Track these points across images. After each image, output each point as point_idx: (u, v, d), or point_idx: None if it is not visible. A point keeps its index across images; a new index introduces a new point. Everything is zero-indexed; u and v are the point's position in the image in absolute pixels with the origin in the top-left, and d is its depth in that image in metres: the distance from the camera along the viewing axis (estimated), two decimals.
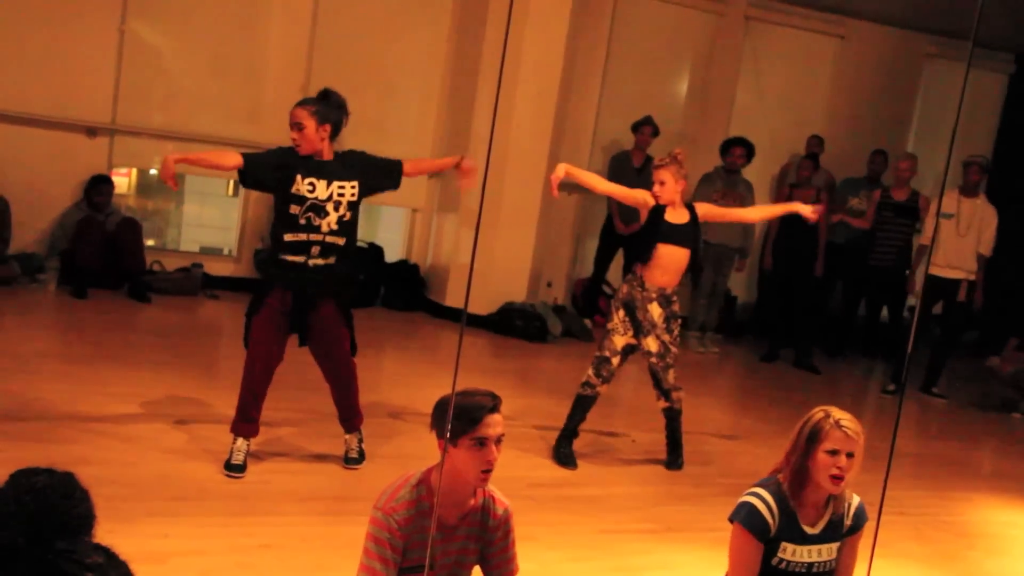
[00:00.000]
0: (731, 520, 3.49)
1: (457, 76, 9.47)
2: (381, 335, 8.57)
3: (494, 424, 3.05)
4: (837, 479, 3.36)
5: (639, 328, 5.74)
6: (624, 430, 6.64)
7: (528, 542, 3.94)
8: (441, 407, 3.12)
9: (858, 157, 10.26)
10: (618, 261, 9.47)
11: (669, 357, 5.82)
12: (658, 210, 5.65)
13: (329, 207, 4.87)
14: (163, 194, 11.08)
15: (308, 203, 4.84)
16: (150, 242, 9.33)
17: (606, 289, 9.82)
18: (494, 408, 3.06)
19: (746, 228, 9.64)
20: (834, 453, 3.35)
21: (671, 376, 5.86)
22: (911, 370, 8.84)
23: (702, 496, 5.64)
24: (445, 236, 9.53)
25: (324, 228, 4.87)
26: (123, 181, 9.95)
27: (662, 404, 5.97)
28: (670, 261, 5.69)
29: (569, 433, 5.88)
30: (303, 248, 4.88)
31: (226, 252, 9.63)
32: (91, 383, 5.96)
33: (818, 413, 3.43)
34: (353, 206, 4.94)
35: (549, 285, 9.80)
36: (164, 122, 8.76)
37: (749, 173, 9.78)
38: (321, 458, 5.37)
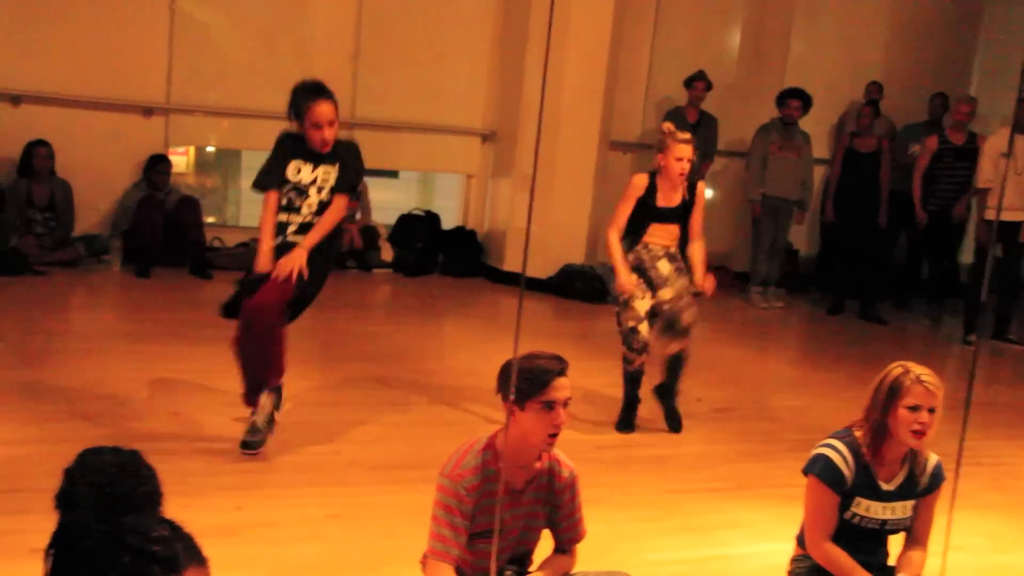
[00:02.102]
0: (805, 472, 3.42)
1: (506, 38, 9.38)
2: (441, 302, 8.57)
3: (561, 388, 3.01)
4: (919, 434, 3.29)
5: (652, 285, 5.59)
6: (688, 388, 6.56)
7: (596, 504, 3.90)
8: (507, 371, 3.08)
9: (917, 102, 10.00)
10: None
11: (686, 297, 5.64)
12: (651, 193, 5.56)
13: (312, 190, 4.82)
14: (220, 171, 11.16)
15: (290, 185, 4.81)
16: (210, 219, 9.39)
17: None
18: (561, 372, 3.02)
19: (806, 179, 9.45)
20: (915, 409, 3.27)
21: (690, 315, 5.61)
22: (974, 316, 8.61)
23: (772, 453, 5.56)
24: (501, 201, 9.47)
25: (304, 210, 4.81)
26: (180, 160, 10.02)
27: (672, 348, 5.67)
28: (664, 231, 5.62)
29: (628, 405, 5.77)
30: (282, 228, 4.82)
31: None
32: (158, 360, 6.02)
33: (896, 368, 3.34)
34: (334, 191, 4.84)
35: None
36: (218, 99, 8.79)
37: (807, 123, 9.58)
38: (386, 427, 5.37)
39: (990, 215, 8.25)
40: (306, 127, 4.80)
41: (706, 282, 5.66)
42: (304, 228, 4.82)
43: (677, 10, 10.00)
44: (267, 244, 4.78)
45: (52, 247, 7.97)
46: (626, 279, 5.53)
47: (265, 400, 4.85)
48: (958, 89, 10.42)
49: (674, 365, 5.76)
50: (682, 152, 5.48)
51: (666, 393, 5.83)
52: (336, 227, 4.92)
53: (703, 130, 9.46)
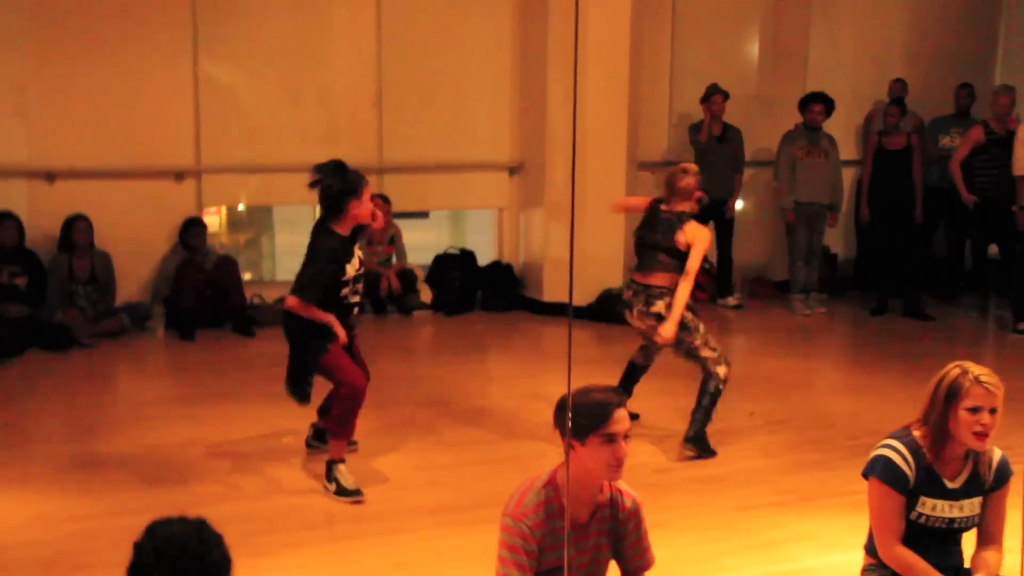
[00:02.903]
0: (865, 476, 3.40)
1: (525, 69, 9.41)
2: (484, 338, 8.58)
3: (622, 420, 3.02)
4: (981, 436, 3.25)
5: (651, 316, 5.72)
6: (739, 404, 6.53)
7: (659, 529, 3.88)
8: (564, 406, 3.07)
9: (942, 95, 9.90)
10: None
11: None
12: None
13: (359, 275, 5.09)
14: (255, 227, 11.27)
15: (352, 279, 5.02)
16: (247, 276, 9.46)
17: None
18: (620, 403, 3.04)
19: (836, 182, 9.39)
20: (976, 410, 3.24)
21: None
22: (1022, 305, 8.49)
23: (830, 461, 5.51)
24: (534, 232, 9.48)
25: (360, 290, 5.13)
26: (214, 220, 10.13)
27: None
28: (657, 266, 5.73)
29: (706, 424, 5.72)
30: (348, 311, 5.07)
31: None
32: (210, 423, 6.07)
33: (954, 370, 3.30)
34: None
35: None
36: (246, 157, 8.88)
37: (833, 126, 9.53)
38: (442, 469, 5.39)
39: None
40: (364, 202, 4.92)
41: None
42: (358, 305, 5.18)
43: (693, 24, 10.01)
44: (333, 319, 4.94)
45: (96, 319, 8.07)
46: (675, 330, 5.60)
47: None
48: (983, 79, 10.32)
49: (713, 396, 5.74)
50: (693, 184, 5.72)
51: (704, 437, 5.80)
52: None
53: (729, 144, 9.45)
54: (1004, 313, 8.96)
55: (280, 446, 5.70)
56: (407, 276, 9.15)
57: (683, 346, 5.67)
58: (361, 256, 5.08)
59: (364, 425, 5.77)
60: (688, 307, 5.61)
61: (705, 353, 5.65)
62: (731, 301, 9.53)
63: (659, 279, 5.65)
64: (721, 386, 5.66)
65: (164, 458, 5.48)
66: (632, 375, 6.06)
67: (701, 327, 5.68)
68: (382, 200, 8.40)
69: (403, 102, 9.16)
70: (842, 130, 9.90)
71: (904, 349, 8.08)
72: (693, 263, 5.55)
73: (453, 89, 9.40)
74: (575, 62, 2.82)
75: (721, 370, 5.64)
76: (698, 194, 5.72)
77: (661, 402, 6.26)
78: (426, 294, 9.21)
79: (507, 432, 5.93)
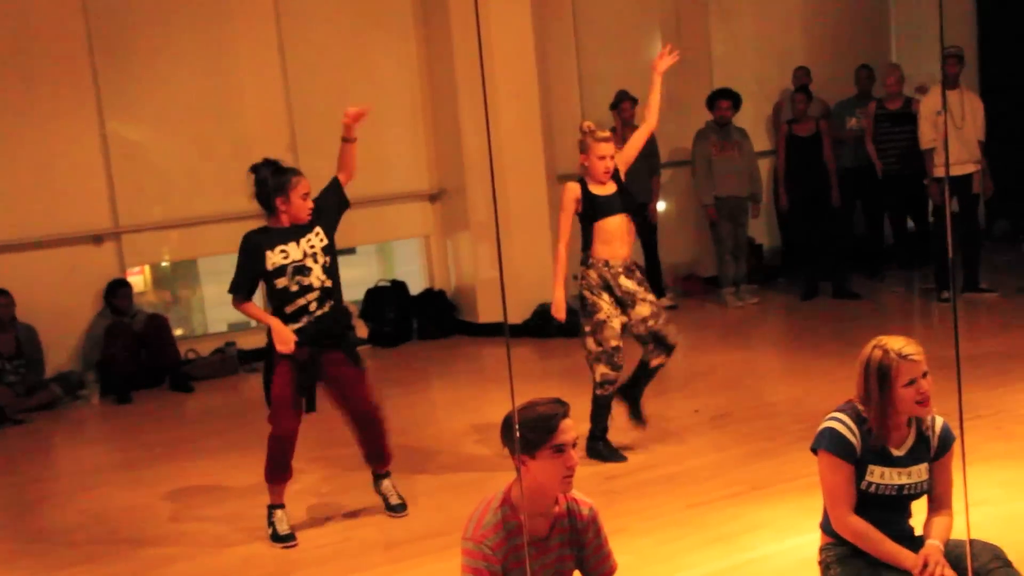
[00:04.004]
0: (814, 450, 3.46)
1: (436, 98, 9.46)
2: (425, 367, 8.57)
3: (568, 429, 3.05)
4: (925, 403, 3.34)
5: (623, 303, 5.57)
6: (684, 402, 6.60)
7: (619, 534, 3.92)
8: (510, 423, 3.08)
9: (846, 78, 10.15)
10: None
11: (663, 314, 5.67)
12: (584, 190, 5.56)
13: (309, 261, 4.90)
14: (181, 283, 11.13)
15: (290, 268, 4.87)
16: (179, 331, 9.35)
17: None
18: (565, 414, 3.06)
19: (752, 174, 9.59)
20: (912, 383, 3.32)
21: (674, 329, 5.67)
22: (945, 273, 8.70)
23: (778, 448, 5.59)
24: (462, 256, 9.52)
25: (315, 283, 4.91)
26: (138, 279, 10.00)
27: (657, 360, 5.68)
28: (611, 233, 5.56)
29: (601, 433, 5.70)
30: (304, 311, 4.90)
31: (254, 324, 9.58)
32: (156, 484, 5.98)
33: (876, 351, 3.37)
34: (328, 250, 4.97)
35: (576, 278, 9.73)
36: (164, 213, 8.80)
37: (744, 119, 9.73)
38: None
39: (939, 172, 8.39)
40: (293, 201, 4.87)
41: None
42: (324, 296, 4.90)
43: (596, 33, 10.12)
44: (277, 324, 4.84)
45: (27, 393, 7.91)
46: (562, 304, 5.55)
47: None
48: (881, 58, 10.61)
49: (650, 373, 5.76)
50: (604, 150, 5.53)
51: (634, 395, 5.79)
52: (348, 317, 5.14)
53: (643, 147, 9.54)
54: (928, 285, 9.17)
55: (229, 499, 5.63)
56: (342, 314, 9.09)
57: (580, 331, 5.67)
58: (310, 248, 4.91)
59: (309, 468, 5.75)
60: (603, 287, 5.54)
61: (588, 345, 5.57)
62: (663, 302, 9.63)
63: None
64: (598, 390, 5.58)
65: (113, 526, 5.39)
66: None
67: (601, 314, 5.49)
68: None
69: (318, 143, 9.09)
70: (753, 122, 10.12)
71: (837, 329, 8.23)
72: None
73: (367, 124, 9.27)
74: (483, 84, 2.84)
75: (599, 370, 5.55)
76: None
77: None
78: (361, 329, 9.17)
79: (456, 458, 5.91)
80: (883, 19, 11.28)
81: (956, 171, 8.44)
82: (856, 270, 9.76)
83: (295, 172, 4.95)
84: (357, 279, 10.33)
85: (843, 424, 3.40)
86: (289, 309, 4.88)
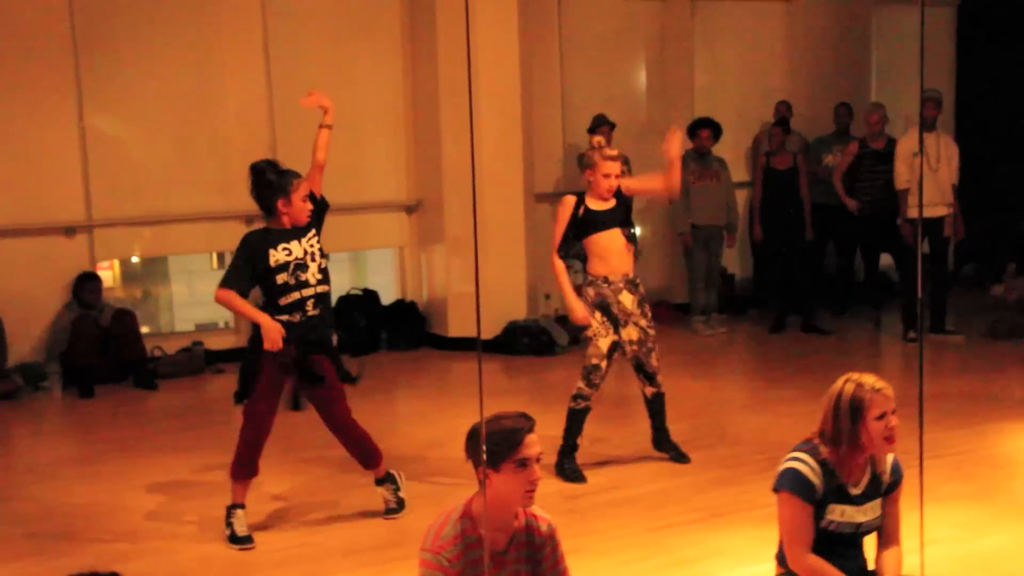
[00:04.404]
0: (776, 490, 3.48)
1: (418, 107, 9.48)
2: (392, 377, 8.55)
3: (533, 444, 3.07)
4: (892, 439, 3.39)
5: (616, 322, 5.66)
6: (646, 426, 6.62)
7: (577, 554, 3.93)
8: (475, 436, 3.09)
9: (826, 114, 10.29)
10: None
11: (650, 341, 5.73)
12: (580, 204, 5.63)
13: (308, 260, 4.96)
14: (150, 280, 11.07)
15: (292, 265, 4.92)
16: (146, 329, 9.28)
17: None
18: (530, 428, 3.08)
19: (729, 204, 9.66)
20: (882, 416, 3.37)
21: (654, 359, 5.76)
22: (912, 314, 8.80)
23: (740, 476, 5.63)
24: (436, 269, 9.52)
25: (311, 280, 4.96)
26: (108, 274, 9.93)
27: (648, 391, 5.84)
28: (607, 247, 5.63)
29: (570, 449, 5.77)
30: (299, 305, 4.93)
31: (223, 325, 9.60)
32: (114, 479, 5.94)
33: (848, 384, 3.42)
34: (324, 253, 5.06)
35: (547, 297, 9.79)
36: (138, 209, 8.74)
37: (723, 150, 9.80)
38: (358, 510, 5.34)
39: (912, 214, 8.50)
40: (294, 203, 4.90)
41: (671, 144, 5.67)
42: (319, 299, 4.97)
43: (580, 57, 10.18)
44: (267, 320, 4.85)
45: None
46: (576, 306, 5.60)
47: None
48: (860, 95, 10.72)
49: (656, 407, 5.88)
50: (611, 168, 5.58)
51: (663, 439, 5.93)
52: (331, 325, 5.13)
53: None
54: (895, 322, 9.26)
55: (188, 497, 5.60)
56: None
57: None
58: (310, 248, 4.97)
59: (273, 472, 5.73)
60: (598, 304, 5.63)
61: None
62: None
63: None
64: (571, 402, 5.71)
65: (68, 520, 5.34)
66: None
67: (589, 331, 5.65)
68: None
69: (298, 147, 9.03)
70: (732, 153, 10.19)
71: (803, 364, 8.28)
72: None
73: (348, 130, 9.28)
74: (469, 98, 2.88)
75: (578, 384, 5.71)
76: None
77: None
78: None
79: (420, 469, 5.91)
80: (864, 58, 11.43)
81: (928, 213, 8.55)
82: (825, 306, 9.86)
83: (296, 174, 4.98)
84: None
85: (805, 464, 3.42)
86: (284, 301, 4.92)
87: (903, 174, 8.59)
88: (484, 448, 2.87)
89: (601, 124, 9.46)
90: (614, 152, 5.69)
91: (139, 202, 8.74)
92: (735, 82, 10.86)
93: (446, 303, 9.32)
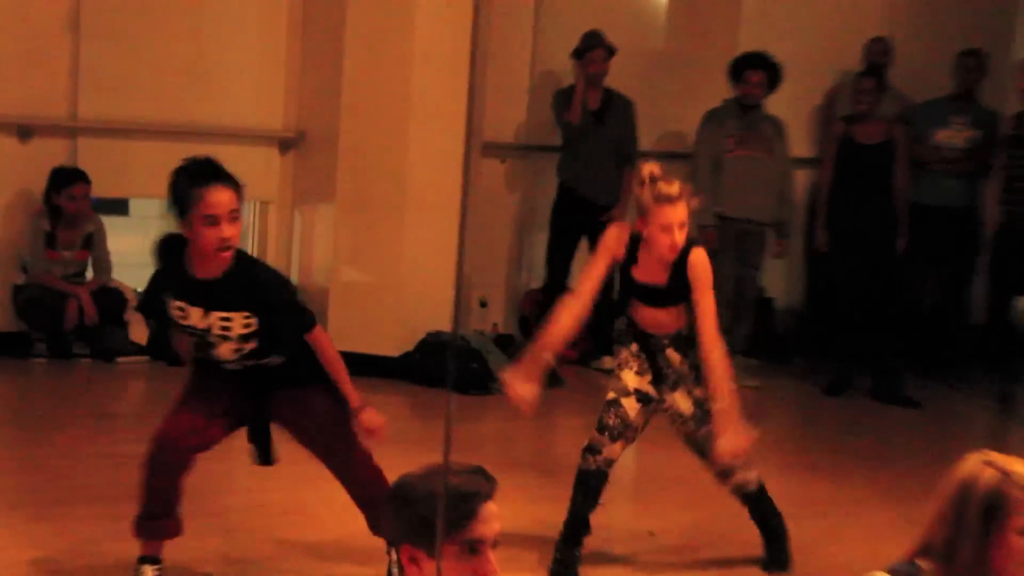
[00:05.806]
0: None
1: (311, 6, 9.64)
2: None
3: (491, 519, 3.02)
4: None
5: (661, 376, 5.80)
6: (634, 519, 6.59)
7: None
8: (404, 499, 3.03)
9: (943, 67, 10.28)
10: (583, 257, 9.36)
11: (710, 421, 5.73)
12: (631, 258, 5.72)
13: (214, 339, 5.09)
14: None
15: (187, 331, 5.11)
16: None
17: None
18: (490, 494, 3.05)
19: (781, 190, 9.68)
20: None
21: (721, 451, 5.75)
22: None
23: None
24: (317, 240, 9.57)
25: (226, 356, 5.14)
26: None
27: (726, 486, 5.99)
28: (653, 317, 5.83)
29: (572, 537, 5.83)
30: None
31: None
32: None
33: (986, 471, 3.34)
34: (250, 337, 5.09)
35: (483, 305, 9.73)
36: None
37: (777, 106, 9.77)
38: None
39: None
40: (196, 227, 4.88)
41: (727, 444, 5.65)
42: (259, 373, 5.24)
43: None
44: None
45: None
46: (516, 380, 5.69)
47: None
48: (998, 45, 10.76)
49: (745, 501, 6.02)
50: (671, 216, 5.45)
51: (766, 535, 6.09)
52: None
53: (612, 121, 9.68)
54: None
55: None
56: (111, 299, 8.97)
57: None
58: (225, 326, 5.07)
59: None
60: (635, 347, 5.87)
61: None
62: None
63: None
64: (580, 460, 5.87)
65: None
66: None
67: (621, 375, 5.86)
68: (82, 181, 8.77)
69: (110, 28, 9.15)
70: (792, 112, 10.18)
71: (879, 450, 8.40)
72: None
73: (202, 18, 9.33)
74: None
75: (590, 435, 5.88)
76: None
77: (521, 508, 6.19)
78: (138, 331, 9.01)
79: (271, 548, 5.91)
80: None
81: None
82: (916, 364, 9.81)
83: (224, 178, 5.06)
84: (133, 251, 10.08)
85: None
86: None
87: None
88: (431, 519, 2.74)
89: (595, 45, 9.43)
90: (673, 189, 5.48)
91: None
92: (804, 5, 10.83)
93: (328, 295, 9.26)
